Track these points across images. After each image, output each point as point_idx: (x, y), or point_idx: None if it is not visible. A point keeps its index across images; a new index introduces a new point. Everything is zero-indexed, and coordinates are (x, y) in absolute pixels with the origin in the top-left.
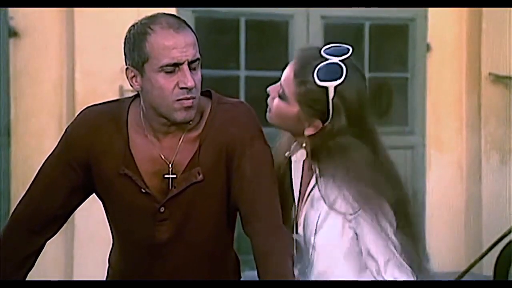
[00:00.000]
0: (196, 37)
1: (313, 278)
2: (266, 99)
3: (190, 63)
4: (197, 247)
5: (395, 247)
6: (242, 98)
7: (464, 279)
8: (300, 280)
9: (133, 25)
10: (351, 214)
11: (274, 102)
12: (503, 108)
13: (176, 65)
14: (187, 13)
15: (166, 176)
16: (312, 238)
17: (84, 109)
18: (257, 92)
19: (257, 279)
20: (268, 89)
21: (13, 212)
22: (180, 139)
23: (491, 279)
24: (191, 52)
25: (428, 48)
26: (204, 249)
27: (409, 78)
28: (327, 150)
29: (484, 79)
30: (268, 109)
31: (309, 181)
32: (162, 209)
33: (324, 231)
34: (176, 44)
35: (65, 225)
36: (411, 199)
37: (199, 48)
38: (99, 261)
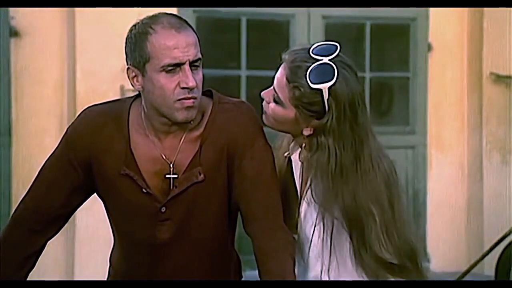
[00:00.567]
0: (198, 37)
1: (312, 273)
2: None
3: (191, 63)
4: (198, 247)
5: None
6: (243, 98)
7: (465, 279)
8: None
9: (134, 25)
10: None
11: (270, 107)
12: (504, 108)
13: (178, 65)
14: (188, 13)
15: (167, 176)
16: (310, 235)
17: (85, 109)
18: (258, 92)
19: (258, 279)
20: (262, 94)
21: (14, 212)
22: (181, 139)
23: (493, 279)
24: (193, 52)
25: (429, 48)
26: (205, 249)
27: (410, 78)
28: (316, 147)
29: (485, 79)
30: (263, 113)
31: (307, 180)
32: (163, 209)
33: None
34: (177, 44)
35: (66, 225)
36: (375, 210)
37: (200, 48)
38: (100, 261)
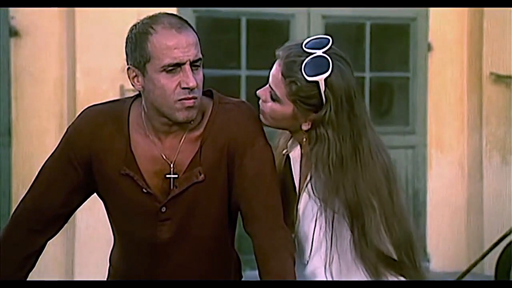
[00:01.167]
0: (198, 37)
1: (311, 267)
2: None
3: (192, 63)
4: (198, 247)
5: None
6: (243, 98)
7: (465, 279)
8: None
9: (135, 25)
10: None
11: (268, 105)
12: (504, 107)
13: (178, 65)
14: (188, 13)
15: (167, 176)
16: (310, 230)
17: (85, 109)
18: None
19: (258, 279)
20: (258, 92)
21: (14, 212)
22: (181, 139)
23: (493, 279)
24: (193, 52)
25: (429, 47)
26: (205, 249)
27: (410, 77)
28: (316, 139)
29: (485, 79)
30: (260, 112)
31: (306, 176)
32: (163, 209)
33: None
34: (178, 44)
35: (66, 225)
36: (376, 204)
37: (201, 48)
38: (100, 261)
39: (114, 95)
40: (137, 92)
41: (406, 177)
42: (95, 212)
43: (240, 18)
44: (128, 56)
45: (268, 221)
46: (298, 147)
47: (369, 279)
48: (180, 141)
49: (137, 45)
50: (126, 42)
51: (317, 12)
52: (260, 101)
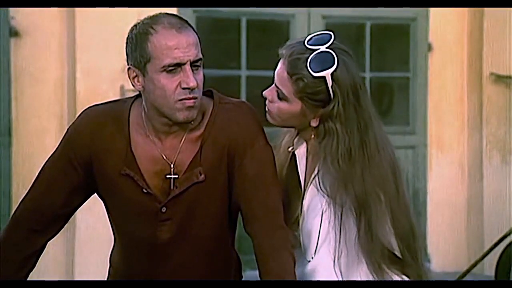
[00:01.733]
0: (198, 37)
1: (317, 260)
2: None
3: (192, 63)
4: (198, 247)
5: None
6: (243, 98)
7: (465, 279)
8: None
9: (135, 25)
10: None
11: (275, 105)
12: (504, 107)
13: (178, 65)
14: (188, 13)
15: (168, 176)
16: (314, 226)
17: (86, 109)
18: (258, 92)
19: (258, 279)
20: (264, 93)
21: (14, 212)
22: (181, 139)
23: (493, 279)
24: (193, 52)
25: (429, 47)
26: (205, 249)
27: (411, 77)
28: (324, 133)
29: (485, 79)
30: (267, 112)
31: (313, 172)
32: (164, 209)
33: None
34: (178, 44)
35: (66, 225)
36: (382, 199)
37: (201, 48)
38: (100, 261)
39: (114, 95)
40: (138, 92)
41: (406, 177)
42: (95, 212)
43: (240, 18)
44: (129, 56)
45: (268, 221)
46: (304, 144)
47: (371, 277)
48: (181, 141)
49: (138, 45)
50: (126, 42)
51: (317, 12)
52: (267, 102)
